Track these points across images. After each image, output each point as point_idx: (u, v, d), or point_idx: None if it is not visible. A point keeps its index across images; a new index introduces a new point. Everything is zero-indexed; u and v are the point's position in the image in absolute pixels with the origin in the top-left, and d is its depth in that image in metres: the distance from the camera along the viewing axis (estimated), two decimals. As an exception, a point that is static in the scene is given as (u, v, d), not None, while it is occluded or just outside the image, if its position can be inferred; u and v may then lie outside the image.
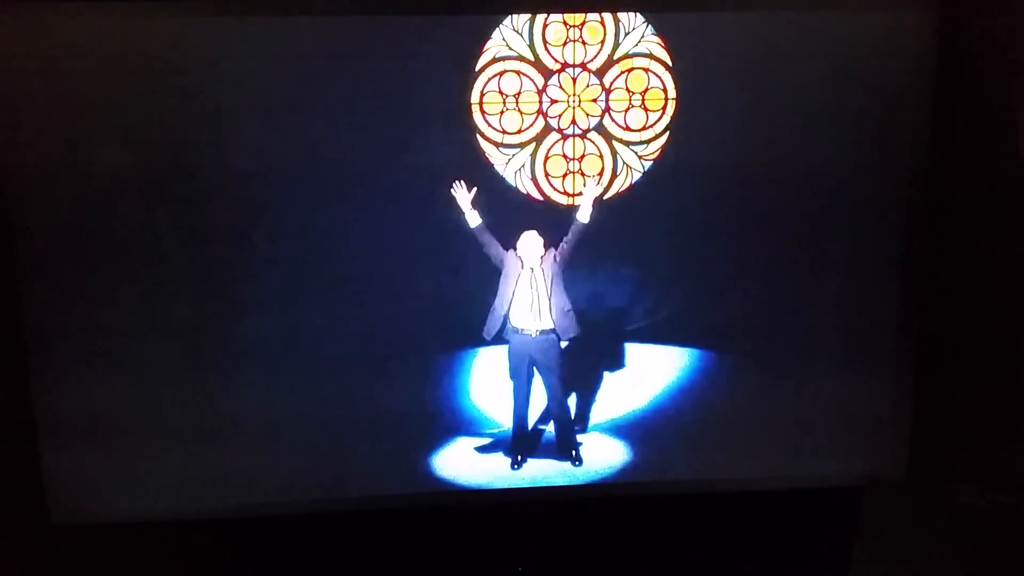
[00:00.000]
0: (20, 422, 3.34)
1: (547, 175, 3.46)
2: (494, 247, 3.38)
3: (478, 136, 3.39)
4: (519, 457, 3.59)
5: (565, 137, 3.44)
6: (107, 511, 3.45)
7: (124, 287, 3.34)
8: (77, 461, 3.41)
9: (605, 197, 3.46)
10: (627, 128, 3.43)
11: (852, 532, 3.31)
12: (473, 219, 3.36)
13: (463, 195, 3.35)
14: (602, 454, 3.62)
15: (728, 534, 3.61)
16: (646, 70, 3.39)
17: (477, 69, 3.35)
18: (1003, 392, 3.41)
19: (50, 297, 3.31)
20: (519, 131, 3.42)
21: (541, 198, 3.47)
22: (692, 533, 3.61)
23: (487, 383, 3.54)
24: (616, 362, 3.58)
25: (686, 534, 3.62)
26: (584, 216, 3.38)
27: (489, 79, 3.37)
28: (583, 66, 3.39)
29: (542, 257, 3.42)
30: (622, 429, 3.62)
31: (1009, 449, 3.44)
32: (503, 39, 3.35)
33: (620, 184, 3.47)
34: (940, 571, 3.24)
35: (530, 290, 3.43)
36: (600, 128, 3.44)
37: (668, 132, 3.43)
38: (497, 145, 3.42)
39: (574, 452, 3.60)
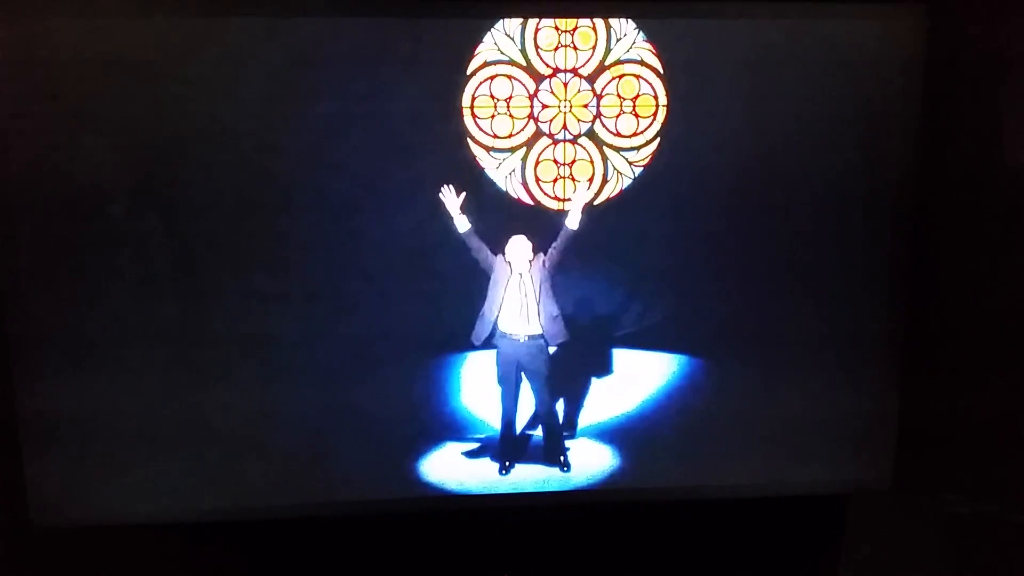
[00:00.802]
0: (2, 424, 3.31)
1: (538, 180, 3.46)
2: (483, 252, 3.37)
3: (469, 140, 3.38)
4: (507, 463, 3.59)
5: (556, 142, 3.44)
6: (89, 514, 3.42)
7: (109, 290, 3.31)
8: (59, 464, 3.38)
9: (595, 203, 3.46)
10: (618, 134, 3.44)
11: (837, 540, 3.31)
12: (462, 224, 3.34)
13: (452, 200, 3.34)
14: (590, 460, 3.61)
15: (714, 541, 3.61)
16: (637, 76, 3.40)
17: (468, 73, 3.34)
18: (988, 401, 3.43)
19: (34, 299, 3.28)
20: (510, 135, 3.42)
21: (532, 203, 3.47)
22: (678, 540, 3.61)
23: (475, 388, 3.53)
24: (604, 368, 3.58)
25: (673, 541, 3.61)
26: (573, 223, 3.38)
27: (480, 83, 3.36)
28: (575, 71, 3.39)
29: (531, 262, 3.41)
30: (610, 435, 3.62)
31: (993, 458, 3.45)
32: (495, 43, 3.34)
33: (610, 190, 3.47)
34: (925, 579, 3.25)
35: (519, 295, 3.42)
36: (591, 134, 3.44)
37: (659, 138, 3.43)
38: (488, 149, 3.41)
39: (562, 458, 3.60)
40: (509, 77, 3.37)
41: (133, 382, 3.38)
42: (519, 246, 3.41)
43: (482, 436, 3.58)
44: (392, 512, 3.54)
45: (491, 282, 3.41)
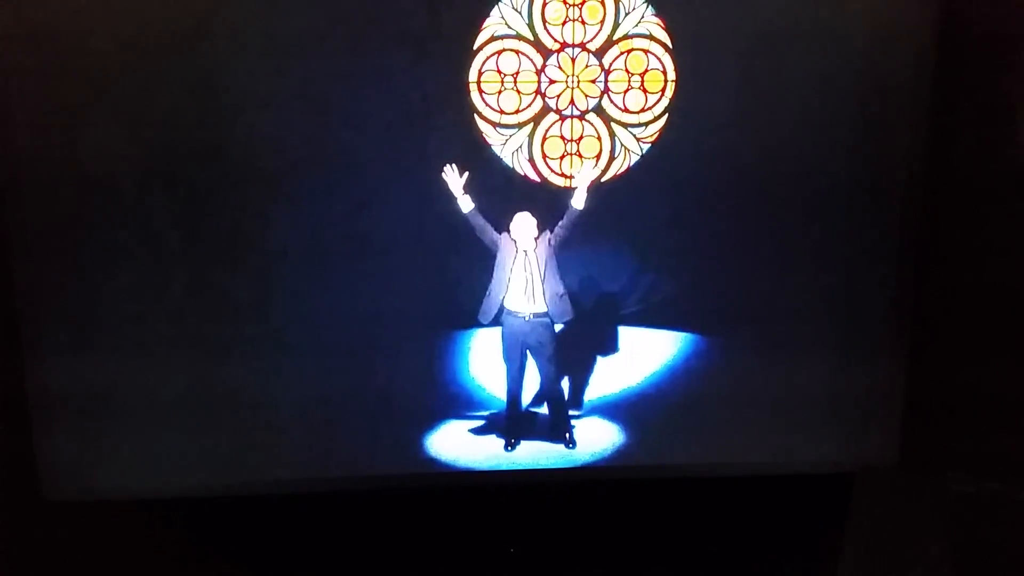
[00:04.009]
0: (13, 399, 3.34)
1: (545, 156, 3.43)
2: (487, 232, 3.36)
3: (476, 116, 3.35)
4: (513, 439, 3.60)
5: (563, 118, 3.40)
6: (100, 488, 3.46)
7: (118, 266, 3.32)
8: (70, 438, 3.41)
9: (603, 180, 3.43)
10: (626, 110, 3.40)
11: (843, 517, 3.32)
12: (465, 204, 3.32)
13: (454, 179, 3.31)
14: (595, 437, 3.62)
15: (719, 519, 3.63)
16: (646, 51, 3.35)
17: (475, 47, 3.31)
18: (994, 379, 3.41)
19: (44, 276, 3.30)
20: (517, 111, 3.39)
21: (538, 180, 3.44)
22: (683, 517, 3.63)
23: (482, 365, 3.54)
24: (610, 346, 3.58)
25: (678, 518, 3.63)
26: (579, 203, 3.35)
27: (487, 58, 3.32)
28: (582, 46, 3.35)
29: (536, 239, 3.40)
30: (615, 412, 3.63)
31: (999, 436, 3.45)
32: (502, 17, 3.30)
33: (618, 167, 3.44)
34: (930, 557, 3.26)
35: (524, 273, 3.41)
36: (599, 110, 3.40)
37: (667, 114, 3.39)
38: (495, 125, 3.38)
39: (568, 435, 3.61)
40: (516, 52, 3.34)
41: (142, 357, 3.40)
42: (524, 223, 3.39)
43: (488, 413, 3.60)
44: (399, 487, 3.57)
45: (497, 260, 3.40)
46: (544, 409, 3.62)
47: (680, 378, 3.61)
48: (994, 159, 3.34)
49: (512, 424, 3.59)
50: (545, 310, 3.46)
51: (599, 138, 3.42)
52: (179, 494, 3.48)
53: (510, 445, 3.60)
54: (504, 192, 3.40)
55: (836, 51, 3.34)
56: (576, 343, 3.56)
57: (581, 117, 3.41)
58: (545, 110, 3.39)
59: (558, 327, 3.50)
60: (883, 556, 3.23)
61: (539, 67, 3.35)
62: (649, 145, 3.43)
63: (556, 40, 3.33)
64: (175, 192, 3.29)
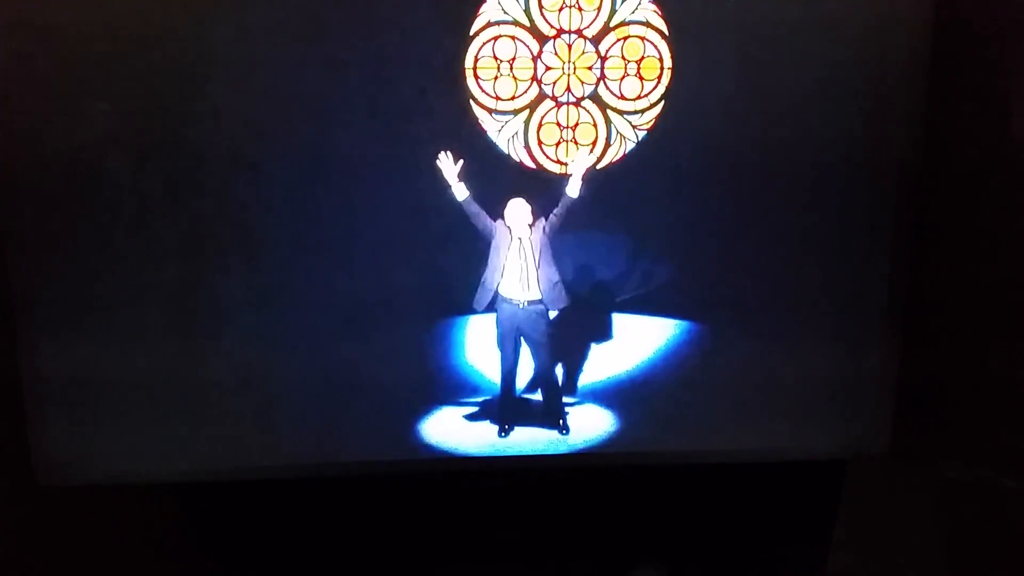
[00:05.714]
0: (6, 383, 3.33)
1: (540, 143, 3.42)
2: (482, 219, 3.35)
3: (471, 102, 3.34)
4: (507, 425, 3.61)
5: (559, 105, 3.39)
6: (94, 474, 3.46)
7: (111, 250, 3.31)
8: (64, 423, 3.41)
9: (598, 167, 3.42)
10: (622, 97, 3.39)
11: (835, 506, 3.35)
12: (460, 192, 3.32)
13: (448, 167, 3.30)
14: (589, 423, 3.63)
15: (711, 506, 3.65)
16: (642, 38, 3.34)
17: (471, 33, 3.29)
18: (987, 368, 3.43)
19: (36, 258, 3.28)
20: (513, 98, 3.37)
21: (534, 166, 3.43)
22: (676, 504, 3.65)
23: (475, 352, 3.54)
24: (605, 333, 3.58)
25: (670, 505, 3.65)
26: (573, 191, 3.35)
27: (483, 44, 3.31)
28: (579, 32, 3.33)
29: (531, 226, 3.39)
30: (609, 399, 3.64)
31: (992, 424, 3.47)
32: (498, 2, 3.28)
33: (613, 154, 3.43)
34: (922, 545, 3.29)
35: (519, 260, 3.41)
36: (595, 96, 3.39)
37: (663, 102, 3.38)
38: (490, 112, 3.37)
39: (561, 421, 3.62)
40: (512, 38, 3.32)
41: (137, 342, 3.39)
42: (518, 209, 3.38)
43: (482, 399, 3.60)
44: (392, 474, 3.58)
45: (492, 248, 3.40)
46: (538, 395, 3.62)
47: (673, 365, 3.61)
48: (990, 146, 3.35)
49: (506, 410, 3.60)
50: (539, 297, 3.46)
51: (595, 125, 3.42)
52: (173, 480, 3.49)
53: (504, 431, 3.61)
54: (499, 179, 3.39)
55: (834, 37, 3.32)
56: (570, 330, 3.56)
57: (577, 104, 3.40)
58: (541, 97, 3.38)
59: (552, 314, 3.51)
60: (875, 544, 3.25)
61: (535, 53, 3.34)
62: (645, 132, 3.42)
63: (552, 26, 3.32)
64: (169, 180, 3.27)
